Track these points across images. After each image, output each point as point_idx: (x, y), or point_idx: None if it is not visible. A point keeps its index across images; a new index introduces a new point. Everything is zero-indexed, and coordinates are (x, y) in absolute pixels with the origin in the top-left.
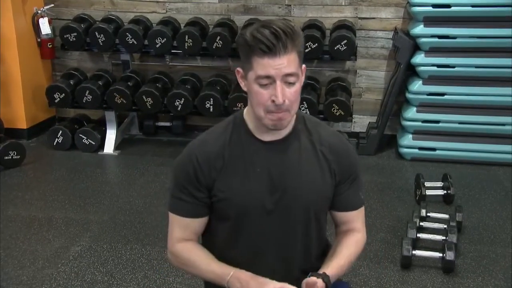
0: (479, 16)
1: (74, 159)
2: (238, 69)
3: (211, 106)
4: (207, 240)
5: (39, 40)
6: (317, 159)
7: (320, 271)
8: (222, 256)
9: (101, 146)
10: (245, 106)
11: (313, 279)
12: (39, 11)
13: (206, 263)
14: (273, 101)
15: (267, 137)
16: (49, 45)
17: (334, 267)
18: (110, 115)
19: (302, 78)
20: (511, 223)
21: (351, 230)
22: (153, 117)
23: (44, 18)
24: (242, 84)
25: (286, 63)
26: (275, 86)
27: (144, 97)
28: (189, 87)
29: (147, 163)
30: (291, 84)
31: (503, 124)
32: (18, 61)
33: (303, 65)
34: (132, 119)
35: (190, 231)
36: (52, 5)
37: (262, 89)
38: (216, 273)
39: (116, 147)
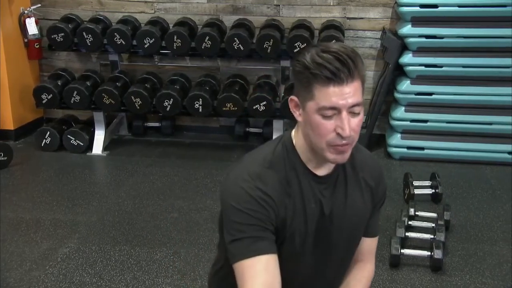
0: (466, 16)
1: (62, 160)
2: (292, 97)
3: (200, 107)
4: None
5: (26, 40)
6: (360, 187)
7: None
8: None
9: (90, 147)
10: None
11: None
12: (25, 11)
13: None
14: (338, 133)
15: (320, 171)
16: (36, 45)
17: None
18: (99, 116)
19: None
20: (498, 222)
21: (363, 261)
22: (142, 118)
23: (31, 18)
24: (296, 114)
25: (352, 91)
26: (341, 118)
27: (132, 98)
28: (178, 87)
29: (136, 163)
30: (356, 114)
31: (491, 123)
32: (4, 61)
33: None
34: (121, 119)
35: (270, 271)
36: (39, 5)
37: (325, 120)
38: None
39: (105, 148)
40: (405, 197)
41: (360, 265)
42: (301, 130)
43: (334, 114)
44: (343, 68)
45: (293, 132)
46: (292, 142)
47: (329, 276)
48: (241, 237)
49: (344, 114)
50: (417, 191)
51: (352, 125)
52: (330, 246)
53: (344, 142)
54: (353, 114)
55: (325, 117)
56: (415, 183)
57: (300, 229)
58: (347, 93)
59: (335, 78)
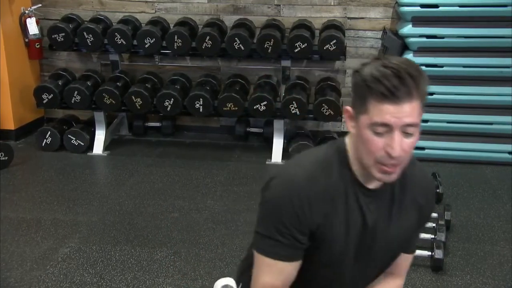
0: (467, 16)
1: (62, 160)
2: (347, 108)
3: (201, 107)
4: None
5: (26, 40)
6: (407, 206)
7: None
8: None
9: (90, 146)
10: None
11: None
12: (26, 11)
13: None
14: (387, 152)
15: (371, 185)
16: (37, 45)
17: None
18: (99, 116)
19: (418, 132)
20: (499, 222)
21: (394, 274)
22: (143, 118)
23: (32, 18)
24: (350, 125)
25: (408, 111)
26: (392, 136)
27: (133, 98)
28: (178, 87)
29: (136, 163)
30: (409, 135)
31: (491, 123)
32: (5, 61)
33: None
34: (122, 119)
35: (285, 277)
36: (40, 5)
37: (376, 137)
38: None
39: (105, 148)
40: None
41: (391, 278)
42: (352, 143)
43: (386, 132)
44: (401, 85)
45: (347, 139)
46: (346, 149)
47: (361, 286)
48: (268, 236)
49: (397, 133)
50: None
51: (403, 145)
52: (369, 259)
53: (392, 162)
54: (406, 134)
55: (377, 133)
56: None
57: (339, 238)
58: (402, 113)
59: (391, 95)
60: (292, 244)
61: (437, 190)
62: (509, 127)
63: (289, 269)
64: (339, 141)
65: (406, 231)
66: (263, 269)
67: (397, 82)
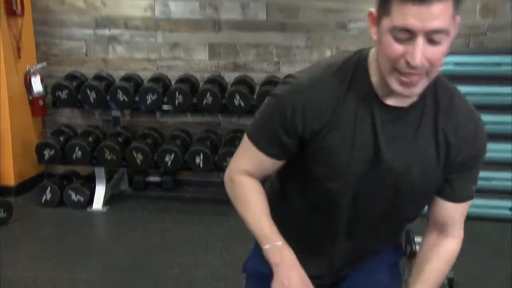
0: (461, 74)
1: (62, 216)
2: (371, 10)
3: (201, 162)
4: (280, 193)
5: (30, 98)
6: (436, 139)
7: None
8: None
9: (90, 202)
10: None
11: None
12: (31, 70)
13: (259, 214)
14: (407, 61)
15: (390, 101)
16: (41, 102)
17: None
18: (100, 171)
19: (454, 32)
20: (500, 279)
21: (445, 231)
22: (143, 172)
23: (37, 76)
24: (373, 31)
25: (436, 14)
26: (414, 43)
27: (134, 153)
28: (179, 142)
29: (136, 219)
30: (436, 43)
31: (490, 179)
32: (8, 118)
33: (457, 17)
34: (122, 174)
35: (261, 169)
36: (45, 63)
37: (396, 42)
38: (262, 230)
39: (105, 203)
40: (407, 254)
41: (441, 237)
42: (377, 52)
43: (408, 39)
44: None
45: (372, 50)
46: (367, 61)
47: (361, 230)
48: (260, 125)
49: (420, 39)
50: (419, 248)
51: (427, 54)
52: (381, 194)
53: (412, 71)
54: (432, 42)
55: (396, 39)
56: (417, 239)
57: (339, 154)
58: (429, 15)
59: None
60: (276, 143)
61: None
62: (508, 183)
63: (267, 163)
64: (364, 50)
65: (428, 167)
66: (246, 152)
67: None
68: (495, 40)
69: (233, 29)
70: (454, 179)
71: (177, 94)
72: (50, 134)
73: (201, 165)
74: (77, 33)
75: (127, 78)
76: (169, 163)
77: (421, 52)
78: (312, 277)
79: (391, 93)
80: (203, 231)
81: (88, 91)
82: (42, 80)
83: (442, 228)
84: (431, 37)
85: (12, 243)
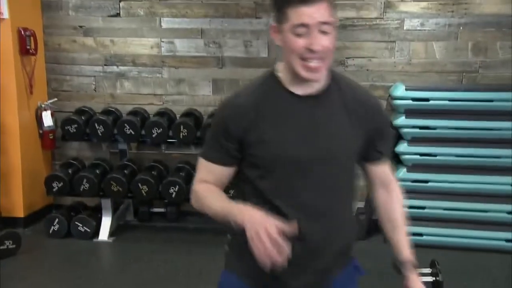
0: (456, 109)
1: (69, 247)
2: (272, 24)
3: None
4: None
5: (41, 131)
6: (348, 115)
7: (403, 256)
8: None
9: (96, 233)
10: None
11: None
12: (42, 105)
13: (217, 199)
14: (308, 48)
15: (300, 91)
16: (51, 136)
17: (407, 242)
18: (106, 203)
19: (334, 32)
20: None
21: (386, 185)
22: (148, 203)
23: (47, 111)
24: (277, 39)
25: (322, 10)
26: (311, 34)
27: (139, 185)
28: (183, 174)
29: (141, 249)
30: (326, 33)
31: (487, 211)
32: (19, 151)
33: (334, 20)
34: (128, 205)
35: (214, 176)
36: (56, 99)
37: (297, 38)
38: (223, 207)
39: (111, 234)
40: None
41: (388, 190)
42: (283, 57)
43: (306, 33)
44: None
45: (279, 63)
46: (274, 69)
47: (324, 203)
48: (206, 143)
49: (315, 32)
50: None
51: (322, 41)
52: (320, 166)
53: (314, 56)
54: (324, 33)
55: (298, 35)
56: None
57: (275, 138)
58: (315, 12)
59: (304, 0)
60: (222, 150)
61: (437, 278)
62: (505, 215)
63: (219, 170)
64: (273, 68)
65: (349, 136)
66: (200, 168)
67: None
68: (487, 77)
69: (236, 65)
70: (378, 145)
71: (181, 127)
72: (59, 167)
73: None
74: (87, 70)
75: (134, 113)
76: (174, 194)
77: (317, 40)
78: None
79: (299, 85)
80: (205, 262)
81: (96, 125)
82: (52, 115)
83: (384, 184)
84: (321, 29)
85: (20, 275)
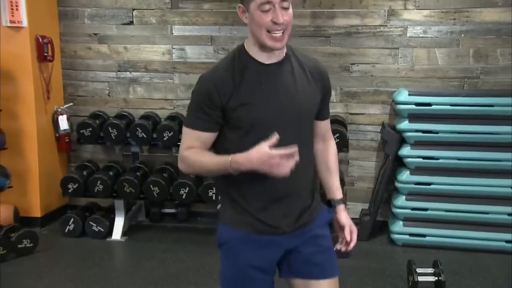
0: (457, 114)
1: (83, 246)
2: (240, 5)
3: (214, 195)
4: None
5: (57, 135)
6: (307, 78)
7: (336, 196)
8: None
9: (110, 232)
10: None
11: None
12: (59, 110)
13: (209, 158)
14: (273, 22)
15: (267, 60)
16: (66, 139)
17: (339, 185)
18: (119, 203)
19: (291, 8)
20: None
21: (326, 139)
22: (159, 204)
23: (63, 115)
24: (244, 17)
25: None
26: (275, 10)
27: (151, 186)
28: (193, 176)
29: (152, 249)
30: (286, 9)
31: (487, 213)
32: (37, 154)
33: None
34: (140, 206)
35: (200, 142)
36: (71, 104)
37: (263, 14)
38: (218, 162)
39: (124, 233)
40: (410, 284)
41: (326, 143)
42: (249, 32)
43: (270, 10)
44: None
45: (245, 41)
46: (243, 45)
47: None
48: (190, 113)
49: (277, 8)
50: (420, 279)
51: (284, 16)
52: (291, 120)
53: (278, 28)
54: (284, 9)
55: (263, 11)
56: (419, 270)
57: (254, 100)
58: None
59: None
60: (206, 118)
61: (439, 278)
62: (506, 217)
63: (205, 136)
64: (239, 45)
65: (314, 95)
66: (185, 136)
67: None
68: (488, 82)
69: None
70: (324, 104)
71: None
72: (74, 169)
73: (214, 197)
74: (101, 75)
75: (146, 117)
76: (184, 196)
77: (280, 15)
78: (273, 226)
79: (266, 56)
80: (214, 261)
81: (110, 128)
82: (68, 119)
83: (323, 138)
84: (282, 5)
85: (37, 273)
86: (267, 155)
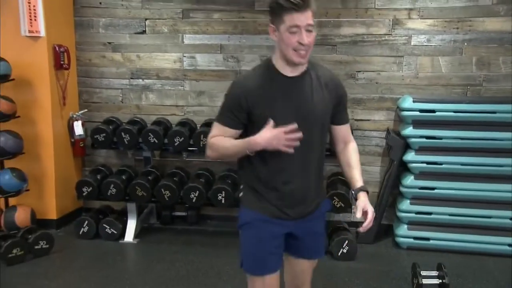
0: (460, 120)
1: (97, 247)
2: (270, 25)
3: (223, 198)
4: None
5: (72, 140)
6: (322, 89)
7: (356, 186)
8: (261, 164)
9: (122, 234)
10: None
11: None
12: (74, 116)
13: (231, 142)
14: (299, 42)
15: (290, 74)
16: (81, 144)
17: (359, 177)
18: (132, 206)
19: (315, 31)
20: None
21: (348, 142)
22: (170, 207)
23: (78, 121)
24: (274, 36)
25: (309, 16)
26: (301, 33)
27: (162, 190)
28: (203, 180)
29: (163, 251)
30: (310, 32)
31: (490, 217)
32: (53, 159)
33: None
34: (151, 209)
35: (226, 135)
36: (86, 110)
37: (291, 35)
38: (238, 144)
39: (136, 236)
40: (414, 286)
41: (347, 144)
42: (277, 49)
43: (297, 32)
44: (301, 2)
45: (273, 55)
46: (271, 59)
47: (311, 152)
48: (221, 112)
49: (303, 30)
50: (425, 281)
51: (308, 38)
52: (307, 126)
53: (303, 48)
54: (308, 31)
55: (291, 33)
56: (423, 273)
57: (277, 107)
58: (305, 17)
59: (297, 7)
60: (233, 118)
61: (444, 281)
62: (508, 221)
63: (230, 132)
64: (267, 58)
65: (324, 103)
66: (215, 128)
67: (298, 0)
68: (490, 90)
69: None
70: (340, 111)
71: (201, 136)
72: (89, 173)
73: (223, 201)
74: (115, 83)
75: (157, 123)
76: (194, 199)
77: (306, 36)
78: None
79: (289, 70)
80: (224, 263)
81: (123, 134)
82: (83, 125)
83: (345, 141)
84: (307, 29)
85: (52, 273)
86: (275, 131)
